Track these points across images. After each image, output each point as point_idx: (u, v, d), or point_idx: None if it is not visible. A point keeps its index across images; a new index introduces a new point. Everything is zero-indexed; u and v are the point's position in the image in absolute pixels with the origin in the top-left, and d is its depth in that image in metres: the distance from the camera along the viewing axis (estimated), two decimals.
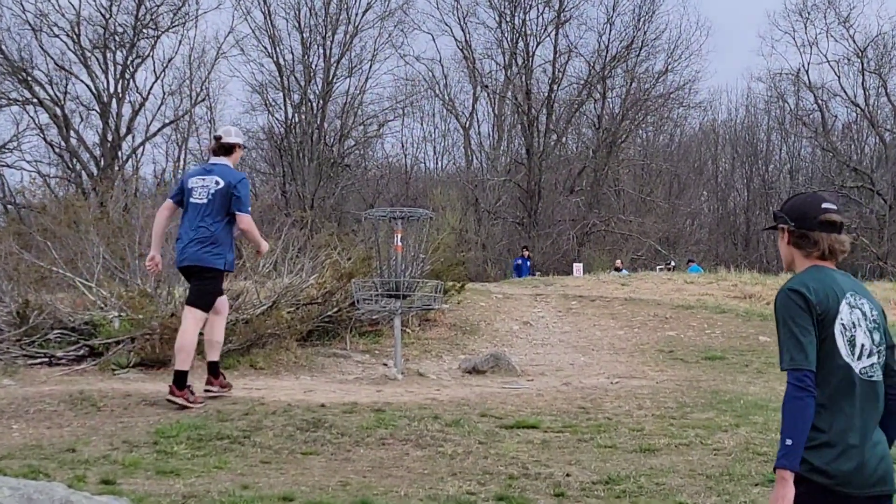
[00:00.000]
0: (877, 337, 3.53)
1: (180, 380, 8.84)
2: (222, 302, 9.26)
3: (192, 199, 8.96)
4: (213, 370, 9.32)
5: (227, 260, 9.00)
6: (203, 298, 8.98)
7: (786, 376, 3.42)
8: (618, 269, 32.29)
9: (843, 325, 3.45)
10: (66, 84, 45.20)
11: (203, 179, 9.00)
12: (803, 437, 3.33)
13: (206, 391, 9.20)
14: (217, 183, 8.91)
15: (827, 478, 3.37)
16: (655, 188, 52.60)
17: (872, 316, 3.55)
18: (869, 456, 3.42)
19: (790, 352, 3.39)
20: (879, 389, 3.51)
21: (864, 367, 3.47)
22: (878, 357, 3.52)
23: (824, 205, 3.59)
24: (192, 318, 8.96)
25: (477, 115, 53.97)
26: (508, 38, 51.64)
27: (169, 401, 8.77)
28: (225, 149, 9.21)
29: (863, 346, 3.47)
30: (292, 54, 49.21)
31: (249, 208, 9.07)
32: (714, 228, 55.43)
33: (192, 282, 9.04)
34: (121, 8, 45.42)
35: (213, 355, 9.28)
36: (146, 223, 12.69)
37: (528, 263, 33.62)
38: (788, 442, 3.32)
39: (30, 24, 43.81)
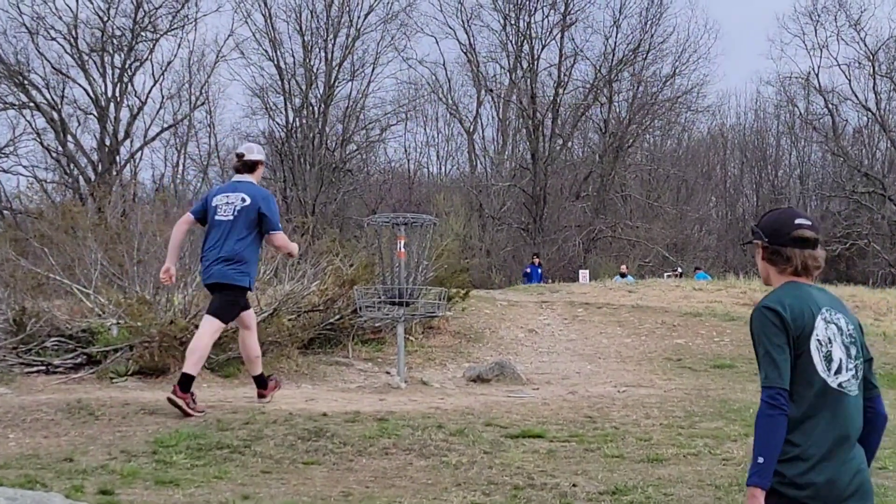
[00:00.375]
0: (853, 351, 3.55)
1: (186, 382, 8.79)
2: (250, 316, 9.36)
3: (217, 217, 9.02)
4: (261, 382, 9.44)
5: (252, 277, 9.15)
6: (225, 311, 9.05)
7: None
8: (623, 276, 32.18)
9: (819, 340, 3.47)
10: (64, 88, 45.30)
11: (228, 197, 9.06)
12: (775, 454, 3.36)
13: (261, 402, 9.30)
14: (244, 200, 8.97)
15: (798, 490, 3.39)
16: (663, 194, 52.53)
17: (849, 331, 3.57)
18: (843, 470, 3.43)
19: (765, 369, 3.43)
20: (856, 404, 3.53)
21: (841, 382, 3.48)
22: (856, 371, 3.54)
23: (797, 220, 3.62)
24: (209, 326, 9.00)
25: (481, 119, 54.08)
26: (513, 41, 51.65)
27: (170, 400, 8.69)
28: (248, 166, 9.27)
29: (840, 361, 3.49)
30: (293, 57, 49.24)
31: (280, 224, 9.20)
32: (723, 235, 55.22)
33: (217, 294, 9.09)
34: (119, 11, 45.50)
35: (256, 369, 9.41)
36: (144, 229, 12.63)
37: (540, 271, 33.47)
38: (760, 460, 3.35)
39: (26, 27, 43.84)
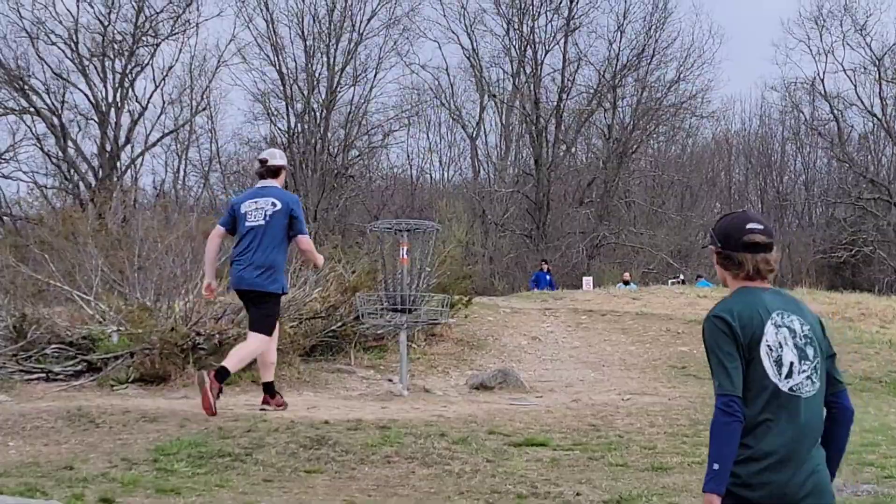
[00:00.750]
0: (810, 351, 3.58)
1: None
2: None
3: (247, 223, 9.18)
4: (269, 390, 9.51)
5: (283, 283, 9.39)
6: (266, 322, 9.26)
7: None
8: (626, 283, 32.11)
9: (768, 345, 3.51)
10: (64, 93, 45.33)
11: (256, 202, 9.24)
12: (730, 461, 3.41)
13: (262, 410, 9.33)
14: (274, 205, 9.18)
15: (751, 490, 3.43)
16: (667, 200, 52.52)
17: (803, 332, 3.59)
18: (798, 471, 3.47)
19: (717, 378, 3.47)
20: (812, 404, 3.55)
21: (794, 385, 3.51)
22: (813, 371, 3.56)
23: (749, 225, 3.64)
24: (256, 342, 9.26)
25: (484, 124, 54.06)
26: (516, 46, 51.65)
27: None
28: (272, 171, 9.47)
29: (791, 364, 3.52)
30: (295, 62, 49.28)
31: (307, 228, 9.45)
32: None
33: (253, 308, 9.28)
34: (119, 15, 45.56)
35: (268, 376, 9.50)
36: (145, 235, 12.61)
37: (548, 277, 33.40)
38: (716, 466, 3.40)
39: (27, 32, 43.90)
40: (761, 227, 3.64)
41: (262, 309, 9.20)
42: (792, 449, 3.47)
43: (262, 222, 9.11)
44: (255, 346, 9.22)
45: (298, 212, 9.28)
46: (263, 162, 9.52)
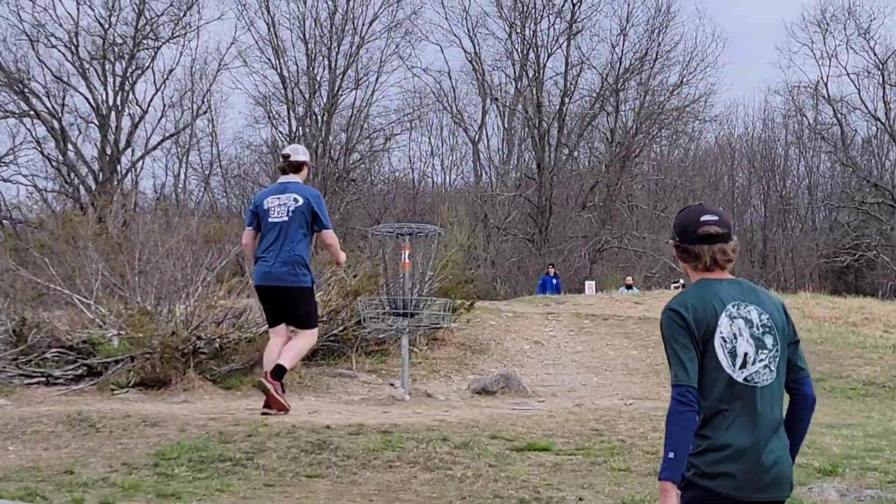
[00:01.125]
0: (768, 340, 3.65)
1: (281, 372, 9.42)
2: None
3: (270, 219, 9.28)
4: (280, 375, 9.45)
5: (311, 276, 9.56)
6: (309, 317, 9.56)
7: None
8: (628, 287, 32.06)
9: (722, 337, 3.58)
10: (64, 96, 45.50)
11: (279, 198, 9.33)
12: (685, 450, 3.49)
13: (265, 413, 9.18)
14: (296, 200, 9.26)
15: (709, 479, 3.52)
16: (670, 204, 52.38)
17: (761, 321, 3.66)
18: (758, 461, 3.55)
19: (673, 369, 3.57)
20: (770, 393, 3.62)
21: (749, 375, 3.59)
22: (772, 360, 3.64)
23: (703, 217, 3.72)
24: (306, 338, 9.58)
25: (486, 128, 54.09)
26: (519, 50, 51.71)
27: (267, 381, 9.30)
28: (294, 167, 9.56)
29: (745, 354, 3.59)
30: (297, 66, 49.36)
31: (330, 222, 9.56)
32: None
33: (289, 306, 9.42)
34: (120, 18, 45.70)
35: (289, 360, 9.51)
36: (146, 239, 12.58)
37: (555, 282, 33.33)
38: (671, 455, 3.47)
39: (27, 35, 43.97)
40: (716, 218, 3.71)
41: (301, 305, 9.39)
42: (751, 438, 3.54)
43: (286, 218, 9.21)
44: (306, 342, 9.53)
45: (321, 207, 9.38)
46: (286, 157, 9.63)
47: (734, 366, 3.58)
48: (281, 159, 9.77)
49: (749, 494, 3.54)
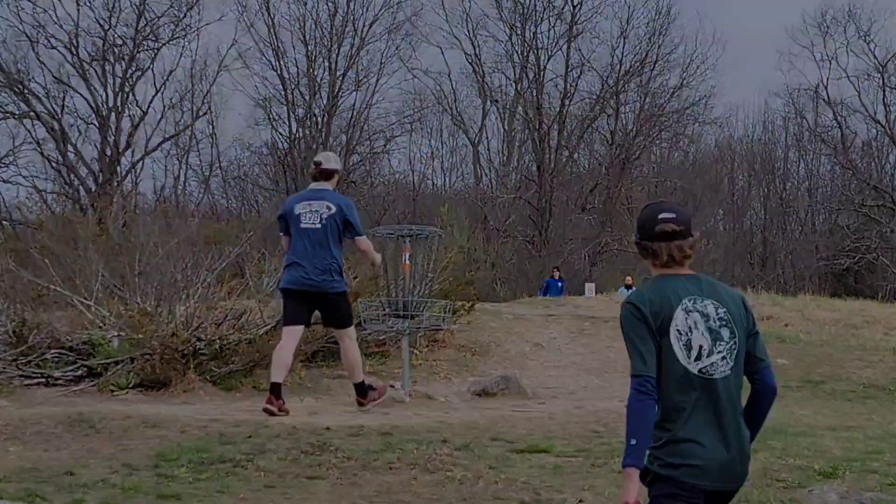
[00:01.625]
0: (725, 333, 3.75)
1: (362, 389, 10.08)
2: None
3: (302, 225, 9.44)
4: (276, 391, 9.55)
5: (345, 280, 9.88)
6: (348, 318, 9.87)
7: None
8: (628, 287, 32.01)
9: (678, 330, 3.70)
10: (64, 97, 45.33)
11: (311, 205, 9.49)
12: (647, 436, 3.60)
13: (266, 410, 9.36)
14: (329, 208, 9.43)
15: (673, 469, 3.63)
16: None
17: (718, 315, 3.76)
18: (718, 450, 3.66)
19: (632, 360, 3.67)
20: (728, 384, 3.72)
21: (704, 367, 3.69)
22: (729, 353, 3.73)
23: (661, 215, 3.84)
24: (349, 339, 9.88)
25: (486, 130, 54.02)
26: (519, 52, 51.66)
27: (360, 404, 10.04)
28: (325, 174, 9.75)
29: (700, 347, 3.70)
30: (297, 67, 49.26)
31: (363, 229, 9.84)
32: (730, 248, 54.93)
33: (330, 311, 9.75)
34: (120, 19, 45.51)
35: (279, 377, 9.61)
36: (146, 240, 12.57)
37: (560, 284, 33.31)
38: (633, 441, 3.58)
39: (27, 36, 43.85)
40: (673, 215, 3.82)
41: (341, 309, 9.69)
42: (709, 429, 3.66)
43: (319, 225, 9.37)
44: (351, 345, 9.85)
45: (353, 214, 9.56)
46: (318, 164, 9.77)
47: (689, 358, 3.68)
48: (312, 166, 9.91)
49: (711, 483, 3.64)
